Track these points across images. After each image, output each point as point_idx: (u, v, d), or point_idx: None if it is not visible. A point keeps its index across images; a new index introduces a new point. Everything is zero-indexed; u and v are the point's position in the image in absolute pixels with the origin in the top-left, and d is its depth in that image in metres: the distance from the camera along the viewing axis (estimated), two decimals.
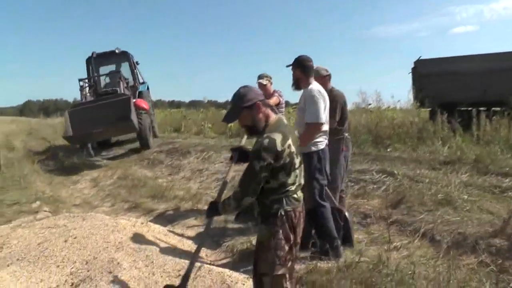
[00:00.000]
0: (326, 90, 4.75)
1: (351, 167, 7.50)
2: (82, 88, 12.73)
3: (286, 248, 2.78)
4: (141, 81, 14.84)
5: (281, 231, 2.76)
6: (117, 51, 13.77)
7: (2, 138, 11.07)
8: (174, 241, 5.21)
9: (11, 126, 21.68)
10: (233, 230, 5.69)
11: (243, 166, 2.92)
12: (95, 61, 13.83)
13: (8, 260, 4.43)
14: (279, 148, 2.64)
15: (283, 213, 2.75)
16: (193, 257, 3.31)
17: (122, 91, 12.58)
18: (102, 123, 10.82)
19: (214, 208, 2.98)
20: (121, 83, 12.97)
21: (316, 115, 4.32)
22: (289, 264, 2.86)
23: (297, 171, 2.82)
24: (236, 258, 4.80)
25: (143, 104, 12.53)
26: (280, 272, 2.78)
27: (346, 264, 3.97)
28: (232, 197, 2.79)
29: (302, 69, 4.51)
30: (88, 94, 12.85)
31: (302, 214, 2.90)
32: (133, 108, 11.00)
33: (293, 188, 2.80)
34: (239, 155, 3.38)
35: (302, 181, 2.92)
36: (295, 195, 2.82)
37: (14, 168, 10.13)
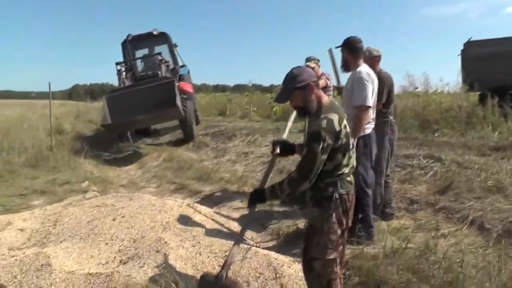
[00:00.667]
0: (374, 71, 4.66)
1: (398, 152, 7.37)
2: (119, 73, 11.94)
3: (339, 232, 2.78)
4: (180, 64, 13.81)
5: (334, 215, 2.75)
6: (155, 32, 12.80)
7: (52, 121, 11.40)
8: (220, 222, 5.25)
9: (60, 109, 22.49)
10: (278, 213, 5.69)
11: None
12: (131, 44, 12.97)
13: (61, 236, 4.62)
14: (337, 128, 2.62)
15: (337, 197, 2.73)
16: (234, 245, 3.23)
17: (164, 75, 11.81)
18: (144, 110, 9.92)
19: (258, 196, 2.95)
20: (162, 66, 12.07)
21: (363, 98, 4.23)
22: (340, 248, 2.85)
23: (351, 152, 2.80)
24: (282, 241, 4.80)
25: (187, 87, 11.70)
26: (332, 256, 2.78)
27: (392, 250, 3.92)
28: (287, 183, 2.74)
29: (351, 51, 4.43)
30: (125, 79, 11.88)
31: (353, 197, 2.88)
32: (177, 92, 10.07)
33: (346, 170, 2.78)
34: (282, 147, 3.36)
35: (355, 164, 2.89)
36: (348, 178, 2.81)
37: (64, 149, 10.48)
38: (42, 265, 3.90)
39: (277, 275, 3.73)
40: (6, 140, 10.54)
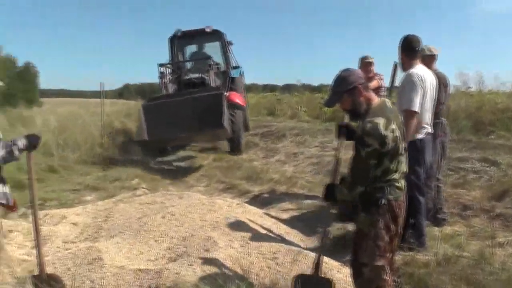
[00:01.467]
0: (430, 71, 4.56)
1: (450, 155, 7.14)
2: (162, 76, 10.54)
3: (386, 238, 2.75)
4: (233, 65, 12.20)
5: (382, 221, 2.72)
6: (207, 29, 11.40)
7: (104, 119, 11.77)
8: (269, 223, 5.24)
9: (112, 107, 23.15)
10: (328, 215, 5.63)
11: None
12: (179, 41, 11.71)
13: (111, 231, 4.76)
14: (382, 132, 2.56)
15: (384, 202, 2.69)
16: (321, 244, 3.52)
17: (213, 82, 10.26)
18: (187, 126, 8.59)
19: (332, 191, 2.95)
20: (211, 71, 10.40)
21: (410, 102, 4.09)
22: (389, 255, 2.81)
23: (401, 157, 2.74)
24: (331, 244, 4.73)
25: (238, 99, 10.09)
26: (379, 263, 2.75)
27: (445, 257, 3.81)
28: (346, 186, 2.77)
29: (405, 51, 4.33)
30: (169, 84, 10.69)
31: (404, 204, 2.82)
32: (226, 110, 8.59)
33: (396, 176, 2.72)
34: (347, 132, 3.23)
35: (406, 169, 2.82)
36: (397, 184, 2.74)
37: (114, 146, 10.78)
38: (93, 259, 4.03)
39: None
40: (61, 137, 10.97)
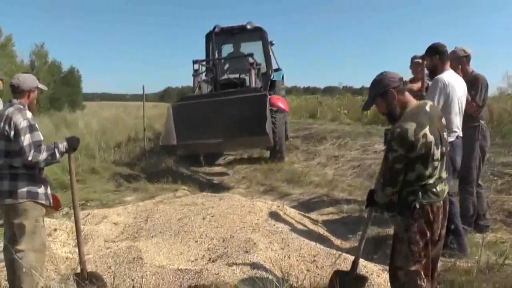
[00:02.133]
0: (464, 73, 4.59)
1: (494, 160, 7.11)
2: (196, 74, 9.59)
3: (421, 243, 2.71)
4: (275, 67, 11.20)
5: (416, 225, 2.69)
6: (249, 26, 10.45)
7: (145, 122, 12.00)
8: (309, 226, 5.22)
9: (153, 110, 23.66)
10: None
11: None
12: (217, 38, 10.68)
13: (152, 232, 4.84)
14: (411, 138, 2.55)
15: (418, 206, 2.67)
16: (359, 244, 3.48)
17: (254, 84, 9.11)
18: (223, 131, 7.59)
19: (372, 197, 3.01)
20: (252, 70, 9.13)
21: None
22: (425, 260, 2.74)
23: (436, 163, 2.69)
24: (371, 248, 4.65)
25: (281, 102, 8.85)
26: (413, 268, 2.72)
27: (488, 265, 3.69)
28: (380, 188, 2.84)
29: (437, 56, 4.33)
30: (203, 83, 9.90)
31: (441, 209, 2.78)
32: (269, 114, 7.54)
33: (431, 181, 2.69)
34: None
35: (444, 175, 2.79)
36: (434, 189, 2.70)
37: (155, 148, 10.97)
38: (134, 258, 4.10)
39: (367, 284, 3.62)
40: (103, 139, 11.27)
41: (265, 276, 3.68)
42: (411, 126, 2.56)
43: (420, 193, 2.67)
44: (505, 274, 3.58)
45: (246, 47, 11.26)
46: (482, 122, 4.88)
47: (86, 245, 4.58)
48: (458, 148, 4.29)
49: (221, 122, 7.63)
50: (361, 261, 4.10)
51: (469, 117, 4.59)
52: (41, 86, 3.70)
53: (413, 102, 2.77)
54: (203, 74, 10.09)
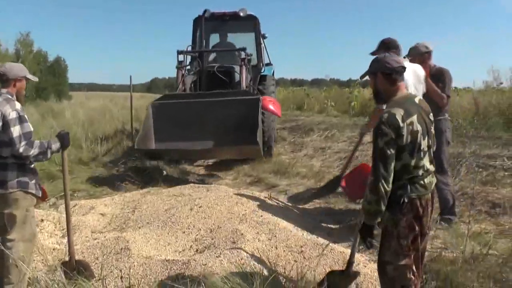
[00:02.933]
0: (427, 67, 4.76)
1: (479, 152, 7.25)
2: (181, 66, 8.40)
3: (410, 237, 2.71)
4: (266, 61, 10.15)
5: (404, 219, 2.68)
6: (242, 13, 9.42)
7: (134, 112, 11.89)
8: (296, 217, 5.25)
9: (140, 101, 23.50)
10: (355, 209, 5.62)
11: None
12: (206, 24, 9.37)
13: (139, 222, 4.84)
14: (398, 123, 2.55)
15: (406, 200, 2.64)
16: (353, 241, 3.45)
17: (244, 82, 8.09)
18: (209, 137, 7.02)
19: (366, 229, 2.80)
20: (244, 67, 8.14)
21: None
22: (413, 254, 2.75)
23: (422, 154, 2.69)
24: (358, 239, 4.69)
25: (273, 105, 7.67)
26: (403, 262, 2.72)
27: (472, 255, 3.75)
28: (368, 191, 2.66)
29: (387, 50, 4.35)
30: (187, 76, 8.57)
31: (430, 202, 2.78)
32: (260, 122, 6.92)
33: (418, 172, 2.68)
34: None
35: (431, 167, 2.78)
36: (421, 181, 2.69)
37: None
38: (121, 248, 4.11)
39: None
40: (90, 129, 11.18)
41: (253, 266, 3.70)
42: (398, 112, 2.58)
43: (408, 186, 2.65)
44: (489, 264, 3.65)
45: (234, 38, 10.33)
46: (447, 115, 5.02)
47: (73, 236, 4.57)
48: None
49: (207, 126, 7.06)
50: (348, 251, 4.15)
51: (436, 110, 4.62)
52: (30, 76, 3.64)
53: (403, 92, 2.79)
54: (186, 68, 8.86)
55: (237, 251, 3.93)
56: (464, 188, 5.97)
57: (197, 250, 4.13)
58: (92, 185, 7.13)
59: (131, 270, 3.65)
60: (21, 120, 3.31)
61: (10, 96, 3.42)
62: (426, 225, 2.78)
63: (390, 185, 2.60)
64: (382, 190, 2.58)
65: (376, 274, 3.68)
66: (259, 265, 3.74)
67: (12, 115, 3.27)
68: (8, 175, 3.32)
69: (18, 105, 3.39)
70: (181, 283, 3.35)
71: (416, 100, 2.80)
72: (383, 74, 2.75)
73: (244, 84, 8.07)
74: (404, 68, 2.77)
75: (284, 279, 3.54)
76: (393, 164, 2.59)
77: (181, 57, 8.53)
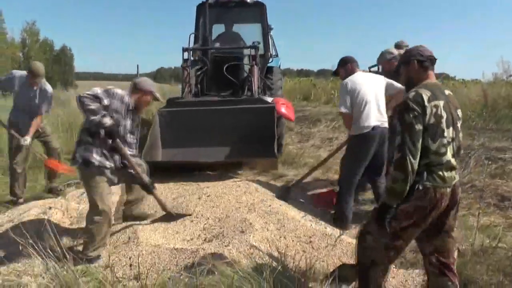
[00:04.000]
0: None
1: (488, 144, 7.25)
2: (186, 65, 7.48)
3: (403, 223, 2.68)
4: (273, 53, 9.25)
5: (407, 205, 2.65)
6: (249, 0, 8.78)
7: None
8: (304, 207, 5.23)
9: None
10: (363, 199, 5.62)
11: None
12: (211, 11, 8.37)
13: (147, 210, 4.82)
14: (424, 102, 2.60)
15: (421, 188, 2.61)
16: None
17: (255, 86, 7.40)
18: (220, 150, 6.50)
19: (383, 210, 2.74)
20: (255, 68, 7.50)
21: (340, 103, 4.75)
22: (399, 243, 2.75)
23: (445, 140, 2.65)
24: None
25: (286, 109, 7.00)
26: (384, 240, 2.73)
27: (482, 248, 3.72)
28: (394, 169, 2.63)
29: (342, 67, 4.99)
30: (192, 78, 7.64)
31: (446, 198, 2.68)
32: (275, 131, 6.38)
33: (436, 160, 2.62)
34: None
35: (454, 162, 2.72)
36: (440, 172, 2.64)
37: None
38: (130, 237, 4.12)
39: None
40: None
41: (261, 256, 3.69)
42: (425, 92, 2.64)
43: (425, 174, 2.61)
44: (499, 256, 3.62)
45: (239, 28, 9.65)
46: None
47: (80, 224, 4.58)
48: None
49: (219, 137, 6.48)
50: (356, 242, 4.14)
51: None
52: (157, 95, 4.26)
53: (433, 80, 2.83)
54: (190, 69, 7.79)
55: (246, 241, 3.92)
56: (473, 180, 5.92)
57: (205, 239, 4.12)
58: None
59: (139, 258, 3.64)
60: None
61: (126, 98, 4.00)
62: (431, 218, 2.69)
63: (417, 163, 2.57)
64: (409, 167, 2.55)
65: (394, 268, 3.68)
66: (268, 254, 3.73)
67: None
68: None
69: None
70: (189, 272, 3.35)
71: (446, 91, 2.81)
72: (418, 61, 2.81)
73: (256, 86, 7.47)
74: (435, 59, 2.84)
75: (293, 269, 3.53)
76: (420, 141, 2.57)
77: (186, 55, 7.74)
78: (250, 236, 4.02)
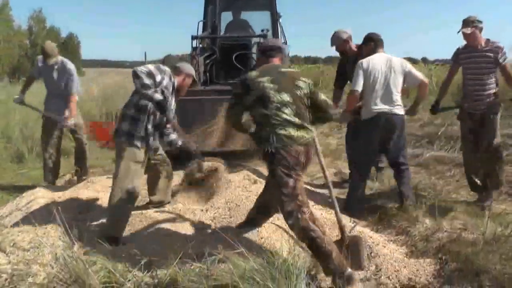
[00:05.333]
0: (351, 52, 5.38)
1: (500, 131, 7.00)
2: (195, 53, 7.29)
3: (291, 184, 3.12)
4: (282, 40, 8.84)
5: (278, 169, 3.12)
6: None
7: None
8: (314, 195, 5.20)
9: None
10: (372, 190, 5.55)
11: None
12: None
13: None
14: (251, 79, 3.34)
15: (272, 151, 3.12)
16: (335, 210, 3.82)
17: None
18: (227, 139, 6.54)
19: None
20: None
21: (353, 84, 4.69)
22: (300, 196, 3.14)
23: (277, 105, 3.22)
24: (376, 219, 4.63)
25: None
26: (289, 208, 3.10)
27: (494, 237, 3.64)
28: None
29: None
30: (201, 66, 7.43)
31: (302, 151, 3.19)
32: None
33: (278, 122, 3.17)
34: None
35: (297, 121, 3.23)
36: (283, 132, 3.14)
37: None
38: (138, 225, 4.17)
39: (372, 254, 3.63)
40: (105, 105, 11.15)
41: (272, 245, 3.65)
42: (253, 73, 3.40)
43: (272, 138, 3.13)
44: (511, 245, 3.55)
45: (248, 16, 9.42)
46: None
47: (87, 212, 4.56)
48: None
49: (228, 125, 6.00)
50: (367, 231, 4.12)
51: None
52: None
53: (271, 64, 3.59)
54: (200, 56, 7.55)
55: (256, 229, 3.89)
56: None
57: (215, 229, 4.08)
58: (107, 162, 7.11)
59: (149, 248, 3.61)
60: None
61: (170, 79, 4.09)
62: (301, 168, 3.22)
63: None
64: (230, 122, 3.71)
65: (396, 254, 3.64)
66: (279, 243, 3.69)
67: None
68: None
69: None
70: (200, 261, 3.32)
71: (283, 68, 3.55)
72: (261, 52, 3.74)
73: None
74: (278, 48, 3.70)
75: (304, 259, 3.49)
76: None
77: (195, 43, 7.59)
78: (260, 225, 3.98)
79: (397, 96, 4.57)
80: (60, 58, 5.76)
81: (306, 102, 3.45)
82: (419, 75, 4.65)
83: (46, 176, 5.92)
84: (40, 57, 5.83)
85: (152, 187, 4.63)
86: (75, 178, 6.17)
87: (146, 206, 4.66)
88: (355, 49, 5.39)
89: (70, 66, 5.84)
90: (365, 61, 4.62)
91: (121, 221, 3.93)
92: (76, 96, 5.85)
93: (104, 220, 4.13)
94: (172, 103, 4.15)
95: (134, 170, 3.96)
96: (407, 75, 4.63)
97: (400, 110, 4.58)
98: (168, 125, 4.24)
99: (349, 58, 5.48)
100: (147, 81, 3.80)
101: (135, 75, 3.81)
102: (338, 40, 5.47)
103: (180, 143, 4.22)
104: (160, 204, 4.65)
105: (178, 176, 5.49)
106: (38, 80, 6.23)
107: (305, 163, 3.26)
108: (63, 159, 6.47)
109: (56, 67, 5.69)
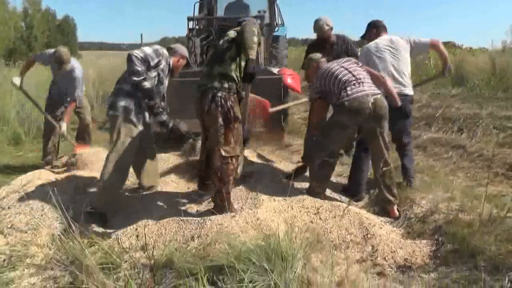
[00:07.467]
0: (330, 42, 5.53)
1: (496, 113, 7.20)
2: (191, 35, 7.43)
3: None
4: (279, 22, 9.35)
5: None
6: None
7: None
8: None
9: None
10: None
11: None
12: None
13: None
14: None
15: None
16: None
17: (262, 54, 7.36)
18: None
19: None
20: (262, 40, 6.59)
21: None
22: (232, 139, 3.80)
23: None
24: (373, 200, 4.64)
25: (292, 80, 6.86)
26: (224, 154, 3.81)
27: (490, 218, 3.65)
28: None
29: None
30: (197, 48, 7.51)
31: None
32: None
33: None
34: None
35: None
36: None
37: None
38: (136, 207, 4.13)
39: (368, 236, 3.64)
40: (101, 88, 11.08)
41: (269, 226, 3.64)
42: None
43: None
44: (507, 226, 3.55)
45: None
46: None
47: (87, 194, 4.56)
48: None
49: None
50: (364, 212, 4.13)
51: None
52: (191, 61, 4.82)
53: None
54: (195, 38, 7.64)
55: (253, 211, 3.87)
56: (481, 150, 5.86)
57: (212, 210, 4.08)
58: (104, 147, 7.07)
59: (146, 229, 3.61)
60: None
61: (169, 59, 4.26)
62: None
63: None
64: None
65: (392, 235, 3.65)
66: (275, 225, 3.67)
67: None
68: None
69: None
70: (196, 242, 3.32)
71: None
72: None
73: (262, 56, 7.24)
74: None
75: (301, 240, 3.49)
76: None
77: (191, 24, 7.67)
78: (257, 207, 3.99)
79: (406, 77, 4.54)
80: (72, 63, 5.72)
81: None
82: (425, 39, 4.64)
83: (45, 157, 5.94)
84: (52, 51, 5.75)
85: (139, 170, 4.60)
86: (74, 159, 6.15)
87: (137, 190, 4.67)
88: (334, 39, 5.57)
89: (78, 73, 5.84)
90: (366, 46, 4.69)
91: (110, 197, 3.98)
92: (75, 102, 5.92)
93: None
94: (166, 85, 4.29)
95: (129, 147, 3.98)
96: (413, 46, 4.63)
97: (410, 91, 4.55)
98: (163, 103, 4.29)
99: (327, 45, 5.52)
100: (139, 67, 3.86)
101: (129, 59, 3.87)
102: (320, 32, 5.54)
103: (171, 124, 4.18)
104: (151, 188, 4.65)
105: (173, 157, 5.49)
106: (37, 65, 6.24)
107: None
108: (61, 141, 6.45)
109: (66, 71, 5.67)
